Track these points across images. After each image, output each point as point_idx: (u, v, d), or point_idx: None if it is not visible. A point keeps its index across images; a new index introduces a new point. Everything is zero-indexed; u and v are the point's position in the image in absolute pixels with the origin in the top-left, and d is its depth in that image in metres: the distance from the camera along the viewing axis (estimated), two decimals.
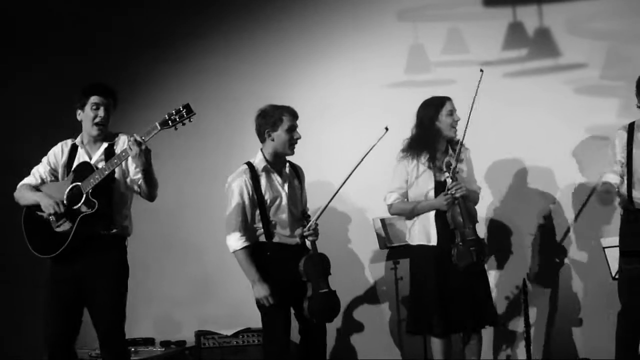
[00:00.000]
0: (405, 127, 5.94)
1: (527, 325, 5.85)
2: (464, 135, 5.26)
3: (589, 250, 6.32)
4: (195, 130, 6.32)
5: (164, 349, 6.19)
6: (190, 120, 4.55)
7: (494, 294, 5.74)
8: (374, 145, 5.00)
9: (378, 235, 6.16)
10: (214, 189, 6.03)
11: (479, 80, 5.22)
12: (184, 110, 4.52)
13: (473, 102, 5.19)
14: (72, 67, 6.64)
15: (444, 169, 5.23)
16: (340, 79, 6.63)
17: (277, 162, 5.11)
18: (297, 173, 5.23)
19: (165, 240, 6.68)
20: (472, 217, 5.26)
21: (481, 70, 5.25)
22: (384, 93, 6.53)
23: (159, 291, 6.62)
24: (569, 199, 6.37)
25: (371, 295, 6.56)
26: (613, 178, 5.20)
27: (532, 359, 5.89)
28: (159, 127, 4.55)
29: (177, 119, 4.52)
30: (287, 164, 5.18)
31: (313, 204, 5.30)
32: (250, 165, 5.08)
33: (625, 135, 5.17)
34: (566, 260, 6.38)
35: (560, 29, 6.47)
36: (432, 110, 5.39)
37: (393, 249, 6.19)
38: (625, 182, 5.13)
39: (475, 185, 5.52)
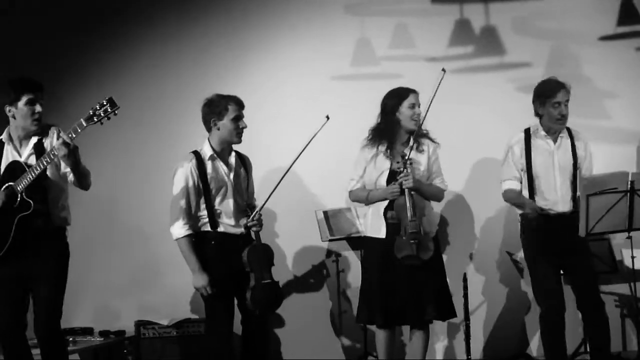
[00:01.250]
0: (352, 118, 6.00)
1: (467, 319, 5.89)
2: (419, 128, 5.27)
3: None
4: (139, 119, 6.33)
5: (102, 339, 6.11)
6: (115, 114, 4.47)
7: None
8: (315, 135, 5.06)
9: (320, 227, 6.17)
10: (156, 178, 6.00)
11: (440, 80, 5.21)
12: (108, 104, 4.44)
13: (431, 101, 5.19)
14: None
15: (399, 160, 5.26)
16: (288, 70, 6.58)
17: (224, 151, 5.14)
18: (243, 163, 5.24)
19: (105, 229, 6.58)
20: (420, 210, 5.26)
21: (443, 70, 5.24)
22: (330, 85, 6.52)
23: (98, 280, 6.52)
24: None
25: (314, 287, 6.54)
26: (512, 184, 5.33)
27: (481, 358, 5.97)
28: (84, 124, 4.47)
29: (102, 114, 4.44)
30: (234, 154, 5.18)
31: (262, 194, 5.30)
32: (196, 153, 5.09)
33: (523, 141, 5.30)
34: (513, 257, 6.45)
35: (506, 28, 6.55)
36: (394, 100, 5.40)
37: (336, 241, 6.20)
38: (527, 188, 5.28)
39: (439, 179, 5.49)
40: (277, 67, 6.61)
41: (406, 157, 5.20)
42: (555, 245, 5.13)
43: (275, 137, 6.39)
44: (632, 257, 5.20)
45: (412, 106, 5.35)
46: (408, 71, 6.28)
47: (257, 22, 6.63)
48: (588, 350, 5.94)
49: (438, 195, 5.49)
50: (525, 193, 5.34)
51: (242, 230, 5.09)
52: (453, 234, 6.44)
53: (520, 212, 5.38)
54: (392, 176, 5.30)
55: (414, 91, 5.40)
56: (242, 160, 5.25)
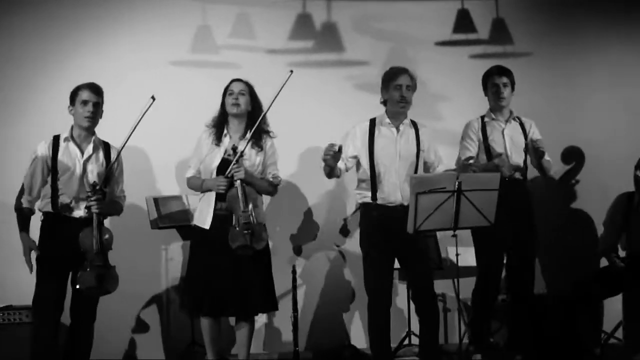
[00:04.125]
0: (190, 105, 5.90)
1: (295, 310, 5.92)
2: (258, 123, 5.23)
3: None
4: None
5: None
6: None
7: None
8: (142, 116, 5.03)
9: (150, 214, 6.03)
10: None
11: (286, 80, 5.18)
12: None
13: (273, 100, 5.18)
14: None
15: (230, 152, 5.22)
16: (126, 53, 6.38)
17: (81, 136, 5.22)
18: (106, 152, 5.27)
19: None
20: (252, 201, 5.24)
21: (291, 71, 5.21)
22: (168, 71, 6.38)
23: None
24: (345, 190, 6.54)
25: (148, 276, 6.39)
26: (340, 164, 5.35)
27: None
28: None
29: None
30: (94, 140, 5.24)
31: None
32: (56, 136, 5.20)
33: (367, 130, 5.38)
34: (340, 249, 6.54)
35: (346, 25, 6.64)
36: (224, 90, 5.41)
37: (164, 229, 6.07)
38: (370, 177, 5.34)
39: (273, 174, 5.45)
40: (116, 48, 6.39)
41: (238, 149, 5.20)
42: (392, 235, 5.18)
43: (114, 122, 6.20)
44: (457, 255, 5.34)
45: (240, 94, 5.36)
46: (247, 61, 6.26)
47: (96, 7, 6.39)
48: (411, 342, 6.14)
49: (271, 190, 5.49)
50: (367, 179, 5.37)
51: (82, 214, 5.14)
52: (283, 226, 6.45)
53: (361, 201, 5.42)
54: (223, 165, 5.26)
55: (236, 80, 5.40)
56: (107, 149, 5.27)
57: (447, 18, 6.74)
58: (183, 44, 6.44)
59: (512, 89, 5.73)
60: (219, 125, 5.38)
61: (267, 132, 5.41)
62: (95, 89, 5.17)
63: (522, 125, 5.74)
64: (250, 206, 5.20)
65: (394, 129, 5.38)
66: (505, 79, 5.69)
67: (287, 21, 6.55)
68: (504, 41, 6.81)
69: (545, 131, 6.32)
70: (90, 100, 5.13)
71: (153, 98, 5.04)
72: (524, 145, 5.68)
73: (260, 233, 5.23)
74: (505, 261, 5.72)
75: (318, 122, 6.43)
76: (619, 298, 5.72)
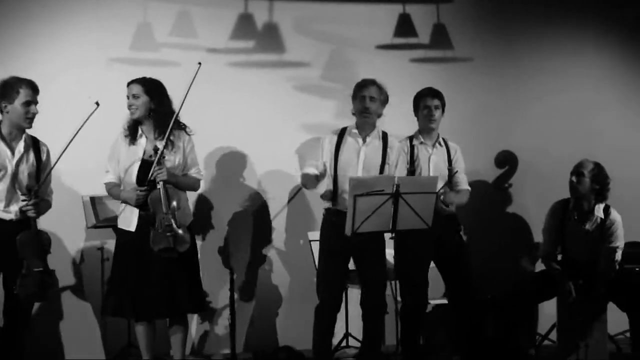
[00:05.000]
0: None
1: (233, 313, 5.90)
2: (172, 122, 5.14)
3: (295, 243, 6.54)
4: None
5: None
6: None
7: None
8: (85, 121, 4.95)
9: (86, 213, 5.94)
10: None
11: (195, 73, 5.15)
12: None
13: (186, 94, 5.12)
14: None
15: (152, 152, 5.16)
16: (65, 52, 6.27)
17: (12, 135, 5.04)
18: (37, 150, 5.11)
19: None
20: (175, 203, 5.19)
21: (199, 64, 5.18)
22: (108, 68, 6.30)
23: None
24: (284, 192, 6.54)
25: (86, 277, 6.31)
26: (310, 170, 5.37)
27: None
28: None
29: None
30: (25, 138, 5.06)
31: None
32: None
33: (335, 138, 5.38)
34: (272, 252, 6.53)
35: (288, 26, 6.63)
36: None
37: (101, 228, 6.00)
38: (332, 184, 5.33)
39: (195, 169, 5.40)
40: (52, 43, 6.28)
41: (159, 150, 5.13)
42: (349, 243, 5.16)
43: (48, 119, 6.10)
44: (394, 257, 5.37)
45: (132, 97, 5.28)
46: (187, 60, 6.17)
47: (36, 5, 6.28)
48: (349, 344, 6.15)
49: (194, 185, 5.44)
50: (331, 186, 5.36)
51: (13, 216, 4.98)
52: (218, 226, 6.44)
53: (325, 206, 5.40)
54: (144, 166, 5.19)
55: (130, 82, 5.31)
56: (36, 147, 5.11)
57: (388, 22, 6.78)
58: (123, 41, 6.36)
59: (443, 111, 5.75)
60: (134, 125, 5.28)
61: (183, 129, 5.32)
62: (36, 88, 5.01)
63: (448, 150, 5.77)
64: (173, 206, 5.16)
65: (360, 140, 5.38)
66: (437, 102, 5.71)
67: (229, 20, 6.51)
68: (444, 46, 6.88)
69: (482, 136, 6.44)
70: (33, 101, 4.98)
71: (97, 104, 4.97)
72: (446, 172, 5.70)
73: (183, 235, 5.18)
74: (438, 267, 5.76)
75: (258, 123, 6.42)
76: (553, 301, 5.80)
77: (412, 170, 5.63)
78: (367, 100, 5.35)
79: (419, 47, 6.84)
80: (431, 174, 5.60)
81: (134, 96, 5.23)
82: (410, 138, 5.75)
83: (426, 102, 5.70)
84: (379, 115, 5.41)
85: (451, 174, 5.62)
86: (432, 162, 5.68)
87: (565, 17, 7.09)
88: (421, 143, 5.72)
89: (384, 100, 5.44)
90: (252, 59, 6.54)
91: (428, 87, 5.79)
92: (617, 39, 7.17)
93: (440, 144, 5.75)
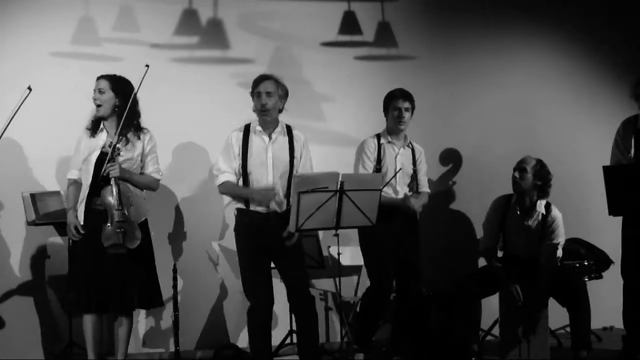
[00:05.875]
0: (69, 99, 5.75)
1: (176, 309, 5.87)
2: (127, 119, 5.14)
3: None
4: None
5: None
6: None
7: None
8: (17, 108, 4.92)
9: (26, 209, 5.85)
10: None
11: (143, 75, 5.12)
12: None
13: (134, 94, 5.16)
14: None
15: (108, 148, 5.15)
16: (3, 45, 6.18)
17: None
18: None
19: None
20: (127, 199, 5.19)
21: (147, 66, 5.14)
22: (48, 62, 6.21)
23: None
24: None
25: (27, 275, 6.20)
26: (231, 177, 5.27)
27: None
28: None
29: None
30: None
31: None
32: None
33: (241, 136, 5.29)
34: (217, 247, 6.51)
35: (232, 23, 6.60)
36: None
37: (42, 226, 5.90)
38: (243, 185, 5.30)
39: (154, 168, 5.41)
40: None
41: (114, 146, 5.12)
42: (265, 239, 5.17)
43: None
44: (339, 254, 5.37)
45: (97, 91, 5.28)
46: (130, 55, 6.14)
47: None
48: (293, 341, 6.14)
49: (151, 185, 5.43)
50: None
51: None
52: (164, 222, 6.39)
53: (236, 206, 5.38)
54: (102, 158, 5.19)
55: (98, 77, 5.31)
56: None
57: (333, 19, 6.79)
58: (64, 35, 6.28)
59: (412, 113, 5.81)
60: (97, 120, 5.30)
61: (139, 127, 5.32)
62: None
63: (413, 152, 5.85)
64: (125, 203, 5.15)
65: (265, 137, 5.29)
66: (407, 104, 5.77)
67: (172, 16, 6.47)
68: (388, 44, 6.91)
69: (426, 134, 6.47)
70: None
71: (29, 89, 4.93)
72: (411, 172, 5.79)
73: (134, 232, 5.18)
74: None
75: (201, 119, 6.39)
76: (495, 297, 5.86)
77: (378, 168, 5.67)
78: (263, 96, 5.26)
79: (364, 44, 6.86)
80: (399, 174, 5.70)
81: (100, 91, 5.25)
82: (378, 136, 5.77)
83: (397, 104, 5.75)
84: (281, 110, 5.34)
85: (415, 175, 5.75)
86: (399, 162, 5.75)
87: (508, 16, 7.17)
88: (389, 142, 5.75)
89: (284, 95, 5.33)
90: (196, 54, 6.51)
91: (399, 88, 5.83)
92: (560, 37, 7.27)
93: (408, 145, 5.82)
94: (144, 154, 5.34)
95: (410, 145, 5.87)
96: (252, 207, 5.22)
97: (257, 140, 5.28)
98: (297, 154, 5.31)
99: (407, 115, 5.76)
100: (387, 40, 6.90)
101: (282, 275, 5.38)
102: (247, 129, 5.31)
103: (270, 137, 5.29)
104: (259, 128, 5.30)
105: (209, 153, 6.44)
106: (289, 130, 5.37)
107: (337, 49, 6.79)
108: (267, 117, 5.24)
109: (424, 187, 5.93)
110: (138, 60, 5.34)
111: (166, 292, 5.66)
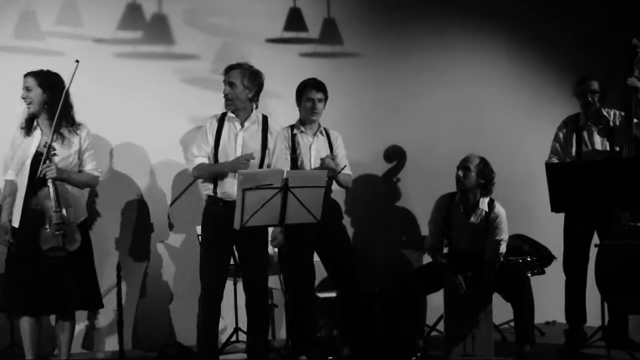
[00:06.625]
0: (9, 94, 5.65)
1: (120, 308, 5.82)
2: (57, 116, 5.08)
3: (183, 236, 6.47)
4: None
5: None
6: None
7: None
8: None
9: None
10: None
11: (74, 71, 5.07)
12: None
13: (67, 90, 5.10)
14: None
15: (43, 148, 5.08)
16: None
17: None
18: None
19: None
20: (65, 200, 5.11)
21: (76, 61, 5.10)
22: None
23: None
24: (169, 183, 6.46)
25: None
26: (204, 160, 5.32)
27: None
28: None
29: None
30: None
31: None
32: None
33: (215, 124, 5.33)
34: (161, 247, 6.45)
35: (177, 18, 6.54)
36: None
37: None
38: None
39: (91, 165, 5.35)
40: None
41: (49, 145, 5.05)
42: (231, 229, 5.11)
43: None
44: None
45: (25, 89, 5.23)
46: (73, 50, 6.04)
47: None
48: (239, 339, 6.13)
49: (90, 182, 5.39)
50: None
51: None
52: (111, 221, 6.32)
53: (205, 193, 5.35)
54: (37, 158, 5.11)
55: (25, 75, 5.26)
56: None
57: (278, 15, 6.77)
58: (5, 29, 6.16)
59: (325, 104, 5.80)
60: (30, 118, 5.22)
61: (74, 122, 5.24)
62: None
63: (328, 138, 5.85)
64: (64, 204, 5.08)
65: (237, 124, 5.33)
66: (321, 95, 5.77)
67: (116, 10, 6.38)
68: (333, 41, 6.91)
69: (371, 131, 6.48)
70: None
71: None
72: None
73: (73, 234, 5.11)
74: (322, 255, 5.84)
75: (145, 115, 6.31)
76: (440, 293, 5.90)
77: (293, 157, 5.67)
78: (225, 85, 5.32)
79: (309, 41, 6.85)
80: (312, 162, 5.68)
81: (27, 89, 5.19)
82: (292, 127, 5.77)
83: (310, 95, 5.76)
84: (251, 100, 5.35)
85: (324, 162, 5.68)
86: (314, 150, 5.75)
87: (454, 14, 7.21)
88: (302, 132, 5.76)
89: (251, 85, 5.34)
90: (140, 50, 6.43)
91: (312, 77, 5.82)
92: (505, 36, 7.34)
93: (321, 133, 5.80)
94: (81, 150, 5.27)
95: (324, 132, 5.85)
96: (220, 195, 5.23)
97: (230, 126, 5.33)
98: (269, 145, 5.35)
99: (320, 105, 5.77)
100: (332, 37, 6.90)
101: (242, 267, 5.37)
102: (222, 117, 5.35)
103: (242, 125, 5.31)
104: (232, 115, 5.34)
105: (153, 150, 6.39)
106: (264, 120, 5.38)
107: (282, 46, 6.78)
108: (229, 107, 5.29)
109: (346, 169, 5.88)
110: (81, 55, 5.28)
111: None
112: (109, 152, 6.31)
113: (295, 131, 5.79)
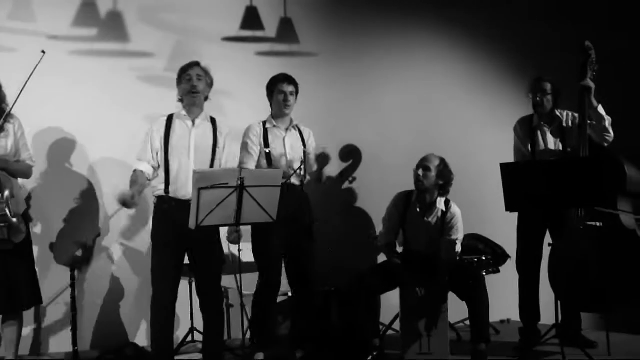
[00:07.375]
0: None
1: (74, 309, 5.77)
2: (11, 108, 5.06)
3: (136, 236, 6.45)
4: None
5: None
6: None
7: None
8: None
9: None
10: None
11: (39, 61, 5.02)
12: None
13: (26, 82, 5.02)
14: None
15: None
16: None
17: None
18: None
19: None
20: (8, 191, 5.03)
21: (43, 52, 5.05)
22: None
23: None
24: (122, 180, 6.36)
25: None
26: (143, 166, 5.29)
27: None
28: None
29: None
30: None
31: None
32: None
33: (164, 124, 5.30)
34: (114, 245, 6.41)
35: (132, 15, 6.48)
36: None
37: None
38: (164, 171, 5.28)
39: (27, 155, 5.32)
40: None
41: None
42: (183, 229, 5.05)
43: None
44: (239, 250, 5.37)
45: None
46: (26, 46, 5.95)
47: None
48: (194, 339, 6.10)
49: (27, 172, 5.36)
50: (161, 173, 5.29)
51: None
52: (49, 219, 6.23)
53: (155, 194, 5.31)
54: None
55: None
56: None
57: (235, 14, 6.75)
58: None
59: (296, 97, 5.80)
60: None
61: (9, 114, 5.16)
62: None
63: (301, 134, 5.83)
64: (7, 195, 4.99)
65: (189, 122, 5.32)
66: (292, 88, 5.75)
67: (71, 7, 6.30)
68: (290, 40, 6.92)
69: (327, 129, 6.48)
70: None
71: None
72: (302, 153, 5.75)
73: (18, 225, 5.04)
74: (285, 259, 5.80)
75: (99, 113, 6.24)
76: (396, 292, 5.92)
77: (267, 152, 5.63)
78: (194, 79, 5.32)
79: (265, 40, 6.85)
80: (288, 154, 5.65)
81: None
82: (264, 122, 5.75)
83: (282, 88, 5.72)
84: (206, 98, 5.40)
85: (305, 156, 5.68)
86: (288, 143, 5.71)
87: (411, 13, 7.25)
88: (274, 127, 5.73)
89: (210, 83, 5.43)
90: (95, 47, 6.36)
91: (283, 72, 5.80)
92: (462, 35, 7.40)
93: (294, 128, 5.79)
94: (16, 140, 5.22)
95: (297, 128, 5.86)
96: (172, 194, 5.21)
97: (181, 125, 5.31)
98: (220, 143, 5.35)
99: (292, 99, 5.75)
100: (288, 36, 6.91)
101: (195, 267, 5.33)
102: (170, 117, 5.32)
103: (193, 123, 5.30)
104: (183, 113, 5.34)
105: (105, 148, 6.32)
106: (213, 120, 5.40)
107: (238, 44, 6.76)
108: (197, 99, 5.30)
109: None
110: (34, 51, 5.20)
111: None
112: (64, 148, 6.23)
113: (268, 125, 5.74)
